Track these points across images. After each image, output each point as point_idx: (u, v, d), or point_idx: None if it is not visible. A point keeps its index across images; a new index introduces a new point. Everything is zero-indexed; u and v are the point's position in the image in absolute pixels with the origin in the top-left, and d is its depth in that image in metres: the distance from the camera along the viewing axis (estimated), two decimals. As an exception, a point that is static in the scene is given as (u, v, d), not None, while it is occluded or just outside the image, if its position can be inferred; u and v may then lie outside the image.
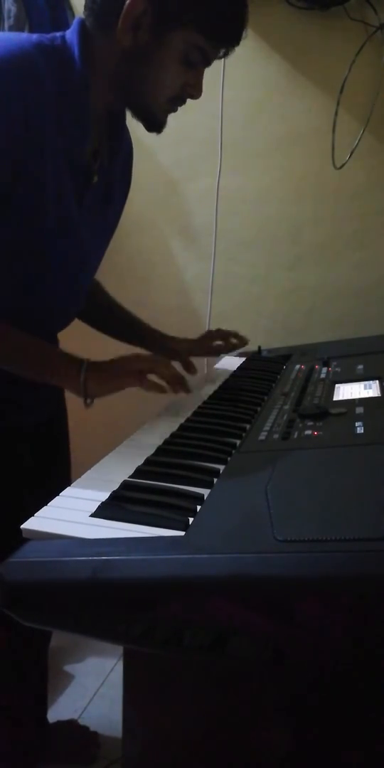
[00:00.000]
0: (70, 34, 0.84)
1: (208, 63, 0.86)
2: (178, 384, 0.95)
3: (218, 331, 1.28)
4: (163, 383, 0.92)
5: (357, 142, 1.48)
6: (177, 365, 1.16)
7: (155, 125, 0.89)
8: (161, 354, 1.21)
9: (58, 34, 0.84)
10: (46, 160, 0.80)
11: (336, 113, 1.49)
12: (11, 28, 1.49)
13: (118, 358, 0.90)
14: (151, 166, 1.66)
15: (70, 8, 1.60)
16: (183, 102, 0.88)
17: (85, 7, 0.84)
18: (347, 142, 1.49)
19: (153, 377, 0.91)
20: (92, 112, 0.85)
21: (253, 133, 1.60)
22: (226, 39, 0.85)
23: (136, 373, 0.88)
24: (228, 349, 1.28)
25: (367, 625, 0.49)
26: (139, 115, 0.89)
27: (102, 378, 0.86)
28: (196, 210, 1.70)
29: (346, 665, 0.52)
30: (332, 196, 1.56)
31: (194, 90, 0.87)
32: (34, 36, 0.81)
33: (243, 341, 1.29)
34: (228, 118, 1.58)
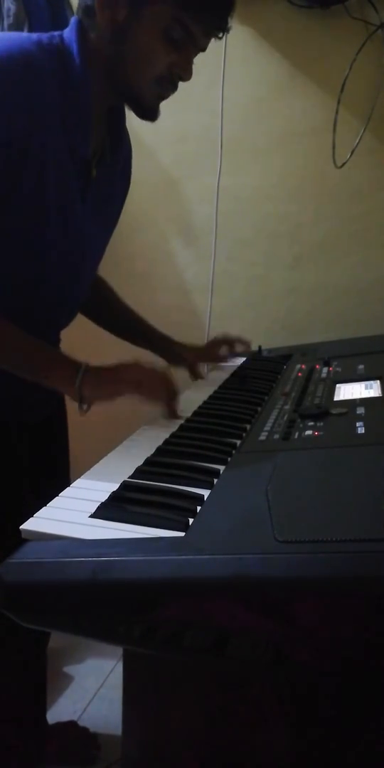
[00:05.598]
0: (68, 33, 0.84)
1: (194, 41, 0.82)
2: (172, 401, 0.95)
3: (224, 337, 1.31)
4: (158, 397, 0.93)
5: (358, 141, 1.48)
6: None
7: (145, 110, 0.87)
8: (169, 360, 1.24)
9: (55, 33, 0.84)
10: (48, 155, 0.80)
11: (337, 112, 1.49)
12: (10, 27, 1.49)
13: (117, 364, 0.89)
14: (150, 165, 1.66)
15: (70, 6, 1.60)
16: (173, 85, 0.86)
17: (78, 4, 0.84)
18: (348, 141, 1.49)
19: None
20: (93, 109, 0.85)
21: (253, 131, 1.59)
22: (208, 12, 0.80)
23: (134, 383, 0.88)
24: (234, 357, 1.32)
25: (368, 625, 0.49)
26: (129, 100, 0.88)
27: (99, 383, 0.84)
28: (196, 209, 1.69)
29: (346, 666, 0.52)
30: (333, 195, 1.56)
31: (182, 70, 0.83)
32: (34, 35, 0.81)
33: (248, 347, 1.33)
34: (228, 116, 1.57)
